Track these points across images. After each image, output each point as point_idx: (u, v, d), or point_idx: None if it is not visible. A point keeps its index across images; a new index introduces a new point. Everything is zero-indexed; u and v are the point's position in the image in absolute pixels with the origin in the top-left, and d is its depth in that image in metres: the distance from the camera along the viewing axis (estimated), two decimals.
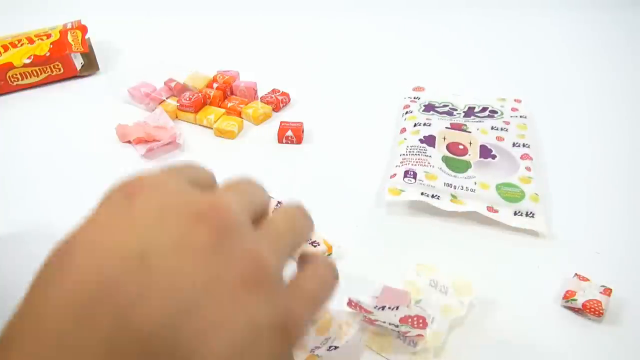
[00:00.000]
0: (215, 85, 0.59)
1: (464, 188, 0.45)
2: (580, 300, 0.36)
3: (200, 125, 0.56)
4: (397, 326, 0.32)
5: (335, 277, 0.25)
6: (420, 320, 0.32)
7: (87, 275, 0.19)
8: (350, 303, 0.33)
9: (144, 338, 0.18)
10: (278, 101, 0.58)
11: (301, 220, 0.26)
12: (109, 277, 0.19)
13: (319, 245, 0.40)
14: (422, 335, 0.32)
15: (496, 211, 0.44)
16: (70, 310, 0.18)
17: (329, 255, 0.41)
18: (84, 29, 0.66)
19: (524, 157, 0.49)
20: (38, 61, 0.62)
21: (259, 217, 0.24)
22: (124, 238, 0.20)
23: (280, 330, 0.20)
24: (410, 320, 0.32)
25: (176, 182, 0.22)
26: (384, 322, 0.33)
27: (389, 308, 0.32)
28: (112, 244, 0.19)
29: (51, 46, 0.63)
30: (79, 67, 0.64)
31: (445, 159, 0.48)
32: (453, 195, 0.45)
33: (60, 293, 0.19)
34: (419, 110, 0.56)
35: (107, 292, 0.18)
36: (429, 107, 0.56)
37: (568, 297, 0.37)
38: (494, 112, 0.55)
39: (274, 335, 0.20)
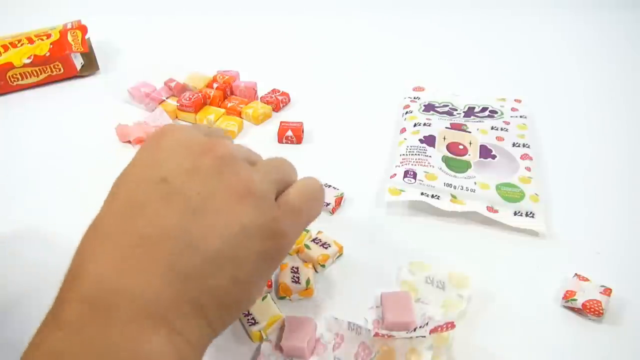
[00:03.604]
0: (215, 85, 0.59)
1: (464, 188, 0.45)
2: (580, 300, 0.36)
3: None
4: (425, 337, 0.33)
5: (318, 192, 0.33)
6: (449, 325, 0.32)
7: (122, 200, 0.27)
8: (377, 334, 0.33)
9: (163, 233, 0.26)
10: (278, 101, 0.58)
11: (285, 165, 0.33)
12: (137, 199, 0.27)
13: (330, 246, 0.40)
14: (453, 324, 0.32)
15: (496, 211, 0.44)
16: (114, 219, 0.27)
17: (340, 255, 0.41)
18: (84, 29, 0.66)
19: (524, 157, 0.49)
20: (38, 61, 0.62)
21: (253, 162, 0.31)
22: (150, 170, 0.28)
23: (266, 233, 0.27)
24: (440, 328, 0.32)
25: (190, 130, 0.30)
26: (412, 337, 0.33)
27: (420, 327, 0.33)
28: (141, 175, 0.28)
29: (51, 46, 0.63)
30: (79, 67, 0.64)
31: (445, 159, 0.48)
32: (453, 195, 0.45)
33: (109, 211, 0.27)
34: (419, 110, 0.56)
35: (135, 209, 0.26)
36: (429, 107, 0.56)
37: (568, 297, 0.37)
38: (494, 112, 0.55)
39: (260, 236, 0.27)
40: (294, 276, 0.38)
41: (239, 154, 0.29)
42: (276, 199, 0.30)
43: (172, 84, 0.59)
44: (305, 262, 0.40)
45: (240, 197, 0.27)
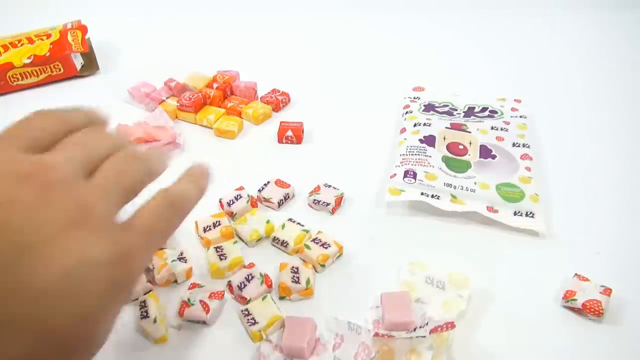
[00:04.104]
0: (215, 85, 0.59)
1: (464, 188, 0.45)
2: (580, 300, 0.36)
3: (200, 125, 0.56)
4: (425, 337, 0.33)
5: (172, 210, 0.28)
6: (449, 325, 0.32)
7: None
8: (377, 334, 0.33)
9: None
10: (278, 101, 0.58)
11: (139, 162, 0.28)
12: None
13: (330, 246, 0.40)
14: (453, 324, 0.32)
15: (496, 211, 0.44)
16: None
17: (340, 255, 0.41)
18: (84, 29, 0.66)
19: (524, 157, 0.49)
20: (38, 61, 0.62)
21: (97, 165, 0.27)
22: None
23: (111, 259, 0.23)
24: (440, 328, 0.32)
25: (5, 152, 0.25)
26: (411, 337, 0.33)
27: (420, 327, 0.33)
28: None
29: (51, 46, 0.63)
30: (79, 67, 0.64)
31: (445, 159, 0.48)
32: (453, 195, 0.45)
33: None
34: (419, 110, 0.56)
35: None
36: (429, 107, 0.56)
37: (568, 297, 0.37)
38: (494, 112, 0.55)
39: (104, 264, 0.23)
40: (294, 276, 0.38)
41: (71, 170, 0.25)
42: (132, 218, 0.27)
43: (172, 84, 0.59)
44: (305, 262, 0.40)
45: (74, 224, 0.23)
